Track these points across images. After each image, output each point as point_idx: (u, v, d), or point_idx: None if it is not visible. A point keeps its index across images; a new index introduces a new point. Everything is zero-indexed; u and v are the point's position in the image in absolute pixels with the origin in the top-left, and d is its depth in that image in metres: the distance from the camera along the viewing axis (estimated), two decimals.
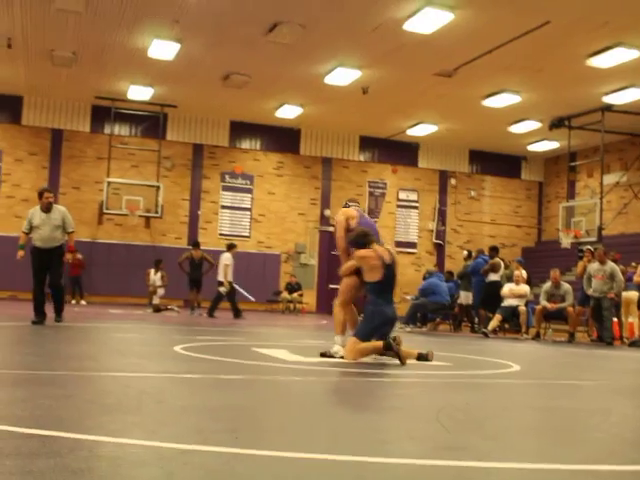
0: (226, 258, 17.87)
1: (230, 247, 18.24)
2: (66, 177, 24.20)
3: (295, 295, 24.48)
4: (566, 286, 15.25)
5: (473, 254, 18.88)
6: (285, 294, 24.52)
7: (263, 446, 3.13)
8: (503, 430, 3.90)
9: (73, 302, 22.45)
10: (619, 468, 3.06)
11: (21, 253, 11.09)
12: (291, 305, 24.61)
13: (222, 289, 17.76)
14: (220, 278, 17.79)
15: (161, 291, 20.78)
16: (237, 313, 17.74)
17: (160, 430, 3.40)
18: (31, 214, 10.97)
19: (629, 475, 2.94)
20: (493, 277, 16.99)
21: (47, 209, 10.84)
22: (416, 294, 18.39)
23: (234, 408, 4.18)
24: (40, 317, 11.04)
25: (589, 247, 17.16)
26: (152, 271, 21.06)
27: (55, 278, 11.04)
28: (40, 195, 10.93)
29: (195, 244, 19.52)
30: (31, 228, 10.90)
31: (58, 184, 23.93)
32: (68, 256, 9.32)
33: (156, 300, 20.37)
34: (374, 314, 7.49)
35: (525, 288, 16.04)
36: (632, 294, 15.51)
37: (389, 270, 7.55)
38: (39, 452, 2.75)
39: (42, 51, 19.17)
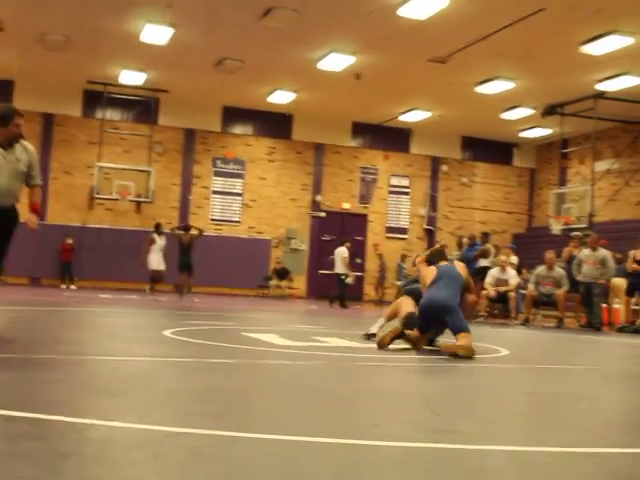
0: (343, 252, 19.87)
1: (344, 242, 20.41)
2: (57, 161, 24.11)
3: (285, 282, 24.51)
4: (560, 270, 15.25)
5: (465, 241, 18.91)
6: (275, 281, 24.56)
7: (252, 429, 3.13)
8: (493, 414, 3.91)
9: (63, 286, 22.44)
10: (608, 450, 3.07)
11: None
12: (280, 291, 24.57)
13: (348, 280, 19.92)
14: (339, 270, 19.85)
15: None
16: (343, 303, 19.62)
17: (149, 413, 3.40)
18: None
19: (618, 457, 2.96)
20: (483, 263, 17.01)
21: (10, 143, 6.64)
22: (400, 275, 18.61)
23: (223, 391, 4.18)
24: None
25: (577, 233, 17.19)
26: (156, 236, 19.01)
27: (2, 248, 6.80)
28: (4, 119, 6.59)
29: (186, 228, 19.36)
30: None
31: (49, 169, 23.83)
32: (33, 220, 6.97)
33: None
34: (420, 307, 7.42)
35: (510, 275, 15.88)
36: (620, 281, 15.58)
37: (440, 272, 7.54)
38: (27, 435, 2.74)
39: (34, 35, 19.03)
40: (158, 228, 18.85)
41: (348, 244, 20.49)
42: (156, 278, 18.80)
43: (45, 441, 2.66)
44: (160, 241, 18.44)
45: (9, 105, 6.84)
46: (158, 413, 3.42)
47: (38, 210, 7.03)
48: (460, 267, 7.72)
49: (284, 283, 24.53)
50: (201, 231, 19.10)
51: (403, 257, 24.74)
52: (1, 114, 6.56)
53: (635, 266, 14.80)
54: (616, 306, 15.89)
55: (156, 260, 18.25)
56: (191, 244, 18.70)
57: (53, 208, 23.91)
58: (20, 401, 3.47)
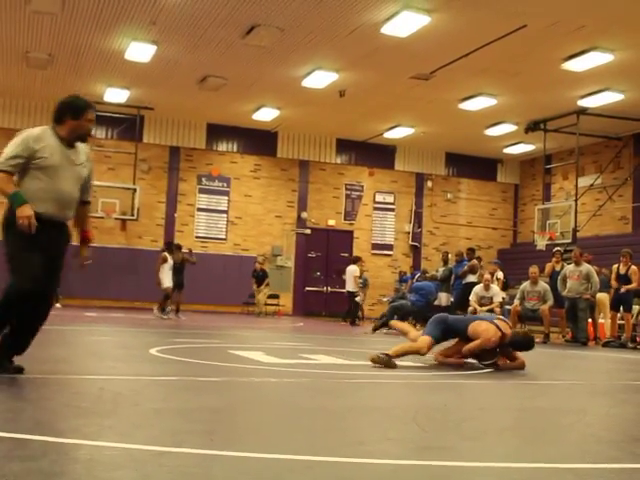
0: (354, 270, 19.77)
1: (355, 260, 20.30)
2: None
3: (263, 289, 23.30)
4: (544, 285, 15.32)
5: (450, 257, 19.01)
6: (255, 288, 23.33)
7: (239, 447, 3.12)
8: (480, 430, 3.92)
9: None
10: (595, 466, 3.08)
11: (30, 213, 5.03)
12: (263, 308, 23.47)
13: (357, 299, 19.89)
14: (350, 288, 19.83)
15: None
16: (354, 321, 19.74)
17: (135, 433, 3.38)
18: (35, 136, 5.25)
19: (606, 472, 2.97)
20: (471, 278, 17.06)
21: (75, 140, 5.44)
22: (396, 294, 18.62)
23: (210, 410, 4.16)
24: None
25: (558, 249, 17.29)
26: (167, 255, 18.34)
27: (53, 284, 5.41)
28: (77, 110, 5.43)
29: (177, 247, 19.31)
30: (26, 164, 5.19)
31: None
32: (85, 255, 5.71)
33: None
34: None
35: (494, 292, 15.88)
36: (603, 296, 15.68)
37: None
38: (13, 455, 2.72)
39: (17, 53, 19.00)
40: (169, 246, 18.71)
41: (362, 262, 20.69)
42: (165, 296, 18.51)
43: (31, 461, 2.64)
44: (170, 260, 18.21)
45: (82, 97, 5.67)
46: (144, 432, 3.40)
47: (91, 239, 5.95)
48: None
49: (263, 292, 23.34)
50: (194, 262, 19.32)
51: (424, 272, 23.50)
52: (74, 104, 5.52)
53: (615, 283, 14.93)
54: (601, 321, 15.96)
55: (168, 278, 18.01)
56: (183, 263, 18.72)
57: None
58: (5, 421, 3.44)
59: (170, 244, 18.88)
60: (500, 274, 17.93)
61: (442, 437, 3.62)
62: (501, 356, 7.69)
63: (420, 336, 7.65)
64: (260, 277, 23.30)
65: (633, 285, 14.56)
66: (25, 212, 5.03)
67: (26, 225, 5.01)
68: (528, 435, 3.91)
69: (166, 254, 18.17)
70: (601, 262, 17.30)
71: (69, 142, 5.36)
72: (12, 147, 5.20)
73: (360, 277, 20.53)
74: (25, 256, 5.12)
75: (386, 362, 7.09)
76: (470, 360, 7.81)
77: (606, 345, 14.40)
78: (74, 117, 5.38)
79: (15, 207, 5.07)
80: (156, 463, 2.76)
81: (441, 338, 7.69)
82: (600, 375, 8.47)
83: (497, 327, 7.44)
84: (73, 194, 5.38)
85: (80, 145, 5.46)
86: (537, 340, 14.84)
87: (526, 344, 7.61)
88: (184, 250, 19.24)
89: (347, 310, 20.36)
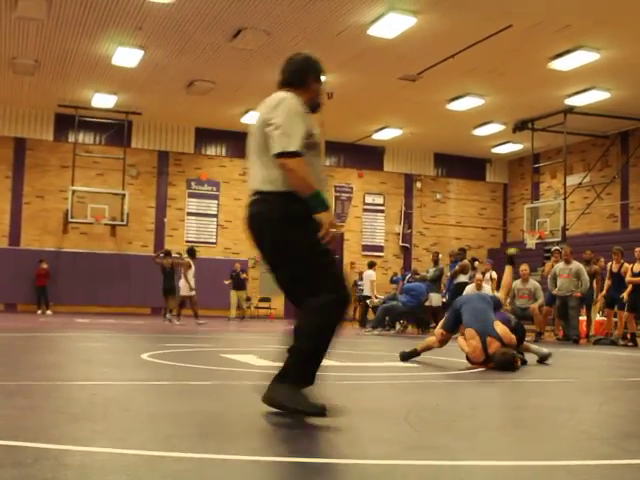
0: (370, 275, 19.81)
1: (371, 265, 20.18)
2: (30, 186, 23.94)
3: (242, 294, 22.71)
4: (534, 283, 15.37)
5: (441, 257, 19.04)
6: (232, 292, 22.59)
7: (231, 451, 3.11)
8: (472, 429, 3.92)
9: (39, 312, 22.23)
10: (587, 463, 3.09)
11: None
12: (244, 311, 22.96)
13: (375, 301, 19.55)
14: (367, 293, 19.95)
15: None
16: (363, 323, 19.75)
17: (127, 438, 3.37)
18: (301, 105, 4.27)
19: (598, 469, 2.97)
20: (462, 278, 17.08)
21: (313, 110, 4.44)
22: (387, 294, 18.61)
23: (202, 414, 4.15)
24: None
25: (557, 247, 17.33)
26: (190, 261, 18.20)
27: None
28: (319, 73, 4.66)
29: (167, 253, 19.40)
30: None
31: (22, 193, 23.68)
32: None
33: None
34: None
35: (486, 291, 15.91)
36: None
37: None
38: (4, 462, 2.71)
39: (3, 59, 18.95)
40: (192, 253, 18.52)
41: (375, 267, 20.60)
42: (185, 304, 18.49)
43: (22, 468, 2.63)
44: (194, 266, 18.24)
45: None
46: (136, 437, 3.39)
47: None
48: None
49: (239, 296, 22.55)
50: (189, 267, 19.17)
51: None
52: (317, 64, 4.61)
53: (608, 282, 14.98)
54: (598, 318, 16.03)
55: (189, 285, 18.00)
56: (173, 268, 18.77)
57: (27, 232, 23.73)
58: None
59: (192, 250, 18.67)
60: (494, 274, 17.97)
61: (434, 436, 3.62)
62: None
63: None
64: (239, 283, 22.80)
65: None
66: (334, 222, 4.02)
67: (330, 239, 3.94)
68: (520, 433, 3.92)
69: (189, 260, 18.13)
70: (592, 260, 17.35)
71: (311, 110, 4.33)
72: (292, 119, 4.05)
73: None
74: (326, 261, 4.07)
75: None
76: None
77: (597, 343, 14.44)
78: (317, 80, 4.52)
79: (318, 210, 3.95)
80: (148, 468, 2.75)
81: (455, 327, 7.86)
82: (591, 372, 8.49)
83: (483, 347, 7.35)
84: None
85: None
86: (528, 339, 14.89)
87: (502, 366, 7.27)
88: (174, 255, 19.24)
89: (363, 315, 20.37)
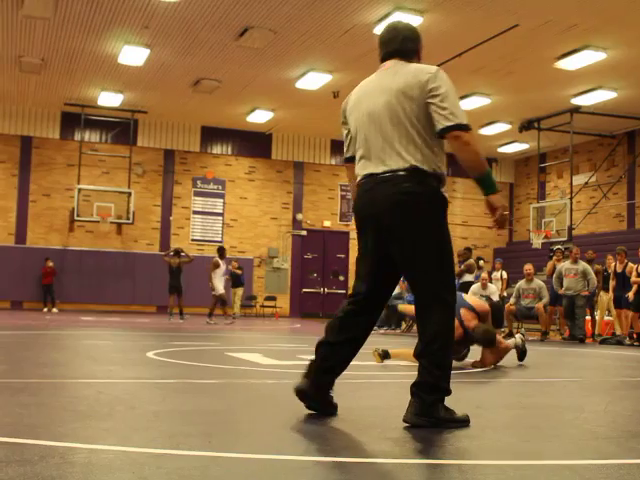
0: None
1: None
2: (36, 184, 23.99)
3: (238, 291, 21.36)
4: (539, 282, 15.34)
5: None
6: (232, 293, 21.30)
7: (237, 449, 3.11)
8: (477, 428, 3.91)
9: (45, 310, 22.28)
10: (593, 462, 3.08)
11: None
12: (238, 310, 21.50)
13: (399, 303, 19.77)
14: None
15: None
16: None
17: (133, 435, 3.37)
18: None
19: (604, 468, 2.96)
20: (468, 278, 17.06)
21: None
22: (394, 293, 18.56)
23: (207, 412, 4.15)
24: None
25: (559, 247, 17.32)
26: (219, 261, 18.45)
27: None
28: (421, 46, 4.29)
29: (177, 252, 19.47)
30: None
31: (28, 191, 23.72)
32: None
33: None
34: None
35: (492, 291, 15.89)
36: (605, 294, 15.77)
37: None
38: (10, 460, 2.71)
39: (10, 58, 18.99)
40: (222, 252, 18.77)
41: None
42: (221, 302, 18.62)
43: (27, 466, 2.63)
44: (223, 265, 18.39)
45: None
46: (141, 435, 3.39)
47: None
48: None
49: (237, 295, 21.33)
50: (191, 259, 19.45)
51: None
52: (420, 35, 4.28)
53: (613, 282, 14.97)
54: (607, 318, 16.02)
55: (221, 284, 18.18)
56: (180, 268, 18.89)
57: (33, 231, 23.78)
58: (2, 426, 3.43)
59: (222, 249, 18.88)
60: (504, 273, 17.99)
61: (440, 436, 3.61)
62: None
63: None
64: (236, 280, 22.48)
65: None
66: (505, 205, 3.81)
67: (502, 223, 3.79)
68: (526, 432, 3.91)
69: (218, 259, 18.29)
70: (597, 260, 17.35)
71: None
72: (454, 91, 3.82)
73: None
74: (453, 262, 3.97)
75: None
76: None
77: (603, 342, 14.42)
78: (420, 55, 4.24)
79: (490, 191, 3.72)
80: (154, 465, 2.75)
81: None
82: (597, 372, 8.47)
83: (459, 321, 7.18)
84: None
85: None
86: (534, 338, 14.89)
87: (483, 341, 7.33)
88: (182, 255, 19.31)
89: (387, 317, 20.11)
